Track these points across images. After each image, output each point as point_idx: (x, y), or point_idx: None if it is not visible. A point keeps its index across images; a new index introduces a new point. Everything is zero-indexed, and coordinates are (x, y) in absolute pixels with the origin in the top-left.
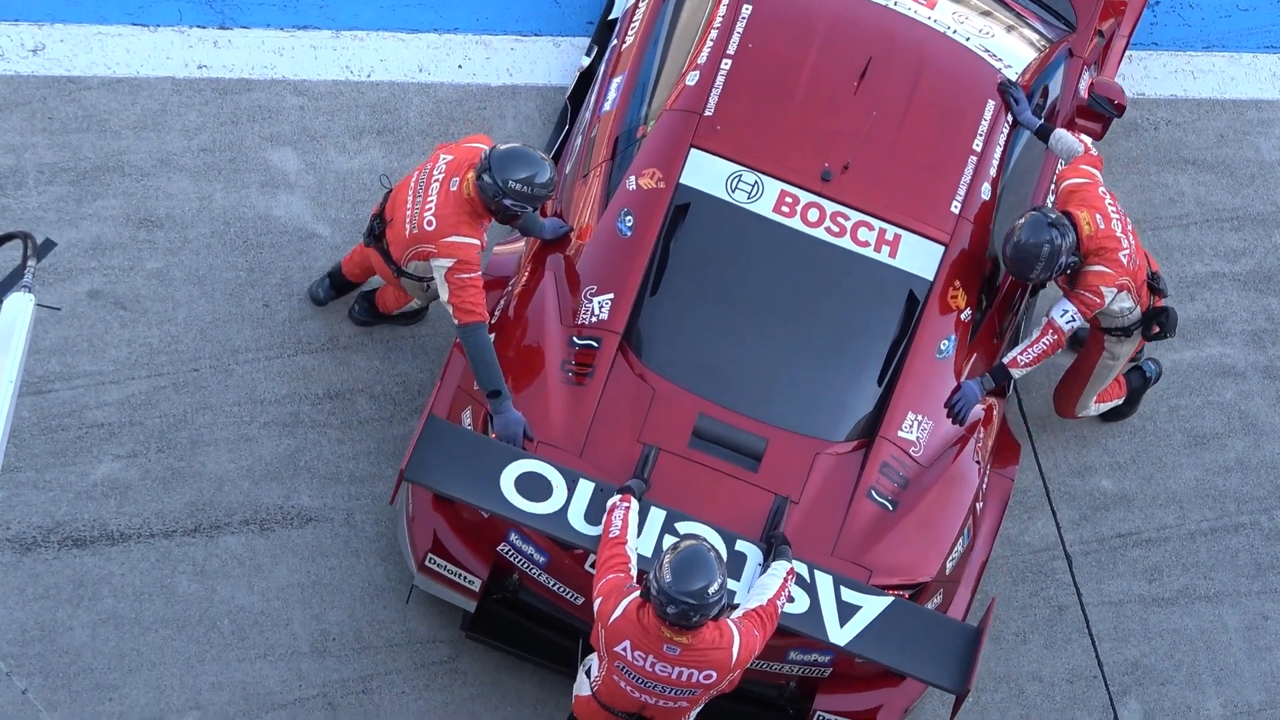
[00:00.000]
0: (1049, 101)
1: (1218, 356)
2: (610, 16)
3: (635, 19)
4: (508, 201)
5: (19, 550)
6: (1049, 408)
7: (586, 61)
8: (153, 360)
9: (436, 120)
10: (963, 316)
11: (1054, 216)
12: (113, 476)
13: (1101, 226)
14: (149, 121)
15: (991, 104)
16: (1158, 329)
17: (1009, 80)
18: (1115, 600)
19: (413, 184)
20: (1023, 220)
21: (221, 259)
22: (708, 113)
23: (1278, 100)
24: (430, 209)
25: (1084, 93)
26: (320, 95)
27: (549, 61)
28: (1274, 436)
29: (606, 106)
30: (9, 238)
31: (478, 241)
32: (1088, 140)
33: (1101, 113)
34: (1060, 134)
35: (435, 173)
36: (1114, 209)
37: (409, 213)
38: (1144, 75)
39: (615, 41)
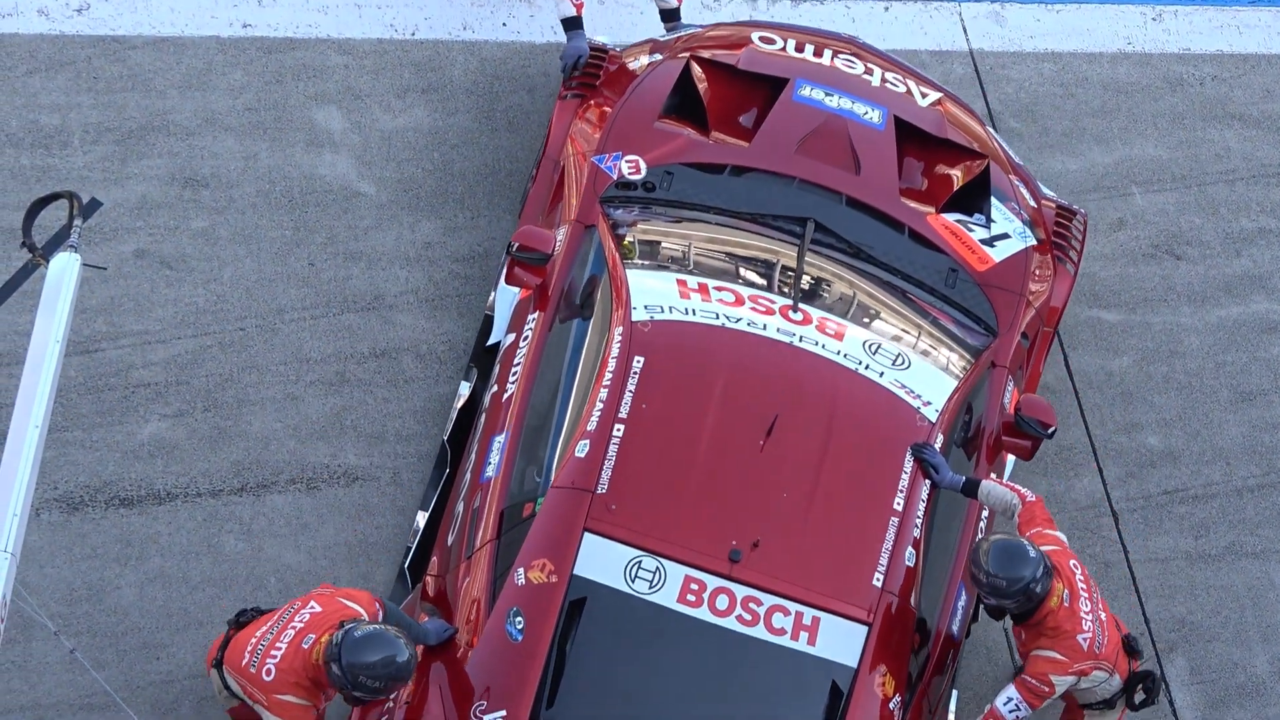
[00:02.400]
0: (972, 420)
1: (1264, 312)
2: (490, 342)
3: (516, 361)
4: (356, 693)
5: (66, 510)
6: (1097, 362)
7: (466, 392)
8: (199, 320)
9: (481, 78)
10: (891, 705)
11: (1039, 553)
12: (159, 436)
13: (1067, 604)
14: (194, 81)
15: (901, 471)
16: (1144, 694)
17: (920, 444)
18: (1161, 557)
19: (275, 615)
20: (1010, 544)
21: (267, 218)
22: (600, 490)
23: None
24: (274, 658)
25: (1010, 407)
26: (364, 54)
27: (592, 16)
28: None
29: (489, 471)
30: (55, 197)
31: (310, 705)
32: (1021, 489)
33: (1032, 434)
34: (988, 487)
35: (296, 620)
36: (1083, 584)
37: (253, 644)
38: (1189, 30)
39: (495, 388)
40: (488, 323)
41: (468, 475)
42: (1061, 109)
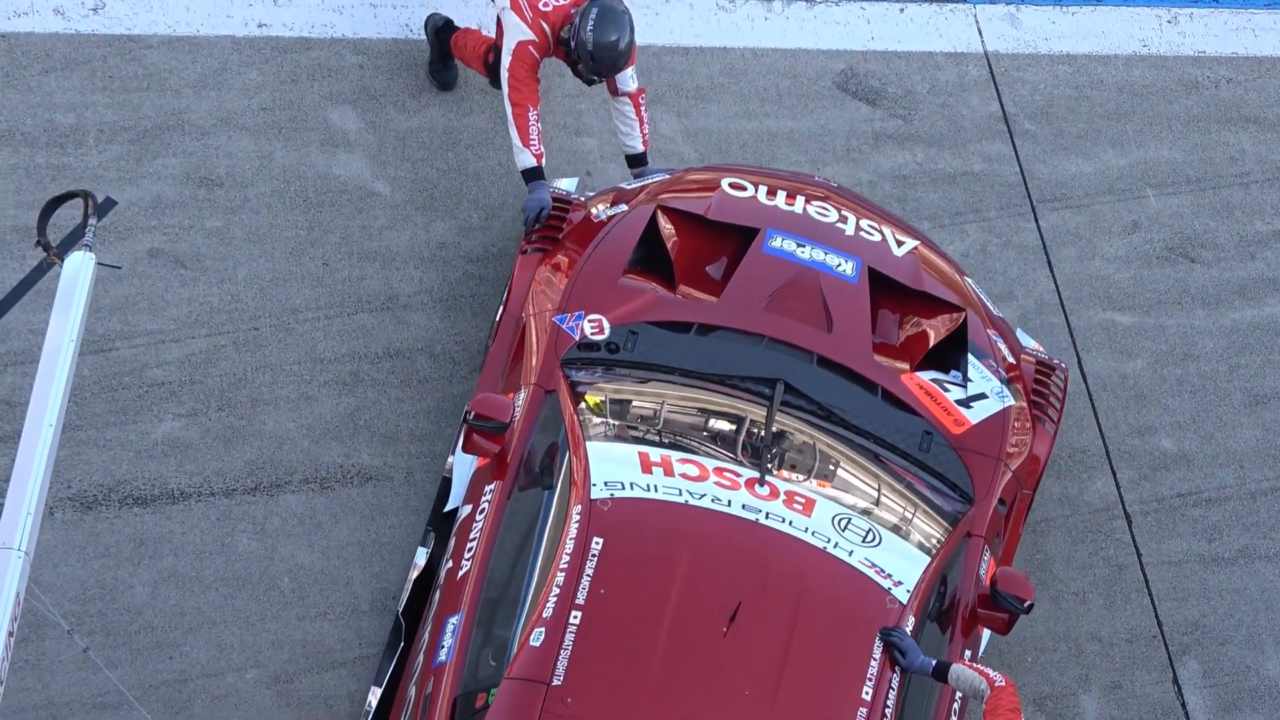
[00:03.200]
0: (947, 594)
1: (1278, 315)
2: (447, 508)
3: (472, 536)
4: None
5: (80, 509)
6: (1110, 365)
7: (421, 562)
8: (213, 319)
9: None
10: None
11: None
12: (173, 435)
13: None
14: (209, 80)
15: (870, 654)
16: None
17: (889, 628)
18: (1175, 560)
19: None
20: None
21: (281, 218)
22: (556, 681)
23: None
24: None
25: (986, 579)
26: (380, 54)
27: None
28: None
29: (442, 655)
30: (70, 196)
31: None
32: (991, 674)
33: (1008, 609)
34: (958, 671)
35: None
36: None
37: None
38: (1205, 33)
39: (450, 563)
40: (446, 484)
41: (420, 656)
42: (1076, 111)
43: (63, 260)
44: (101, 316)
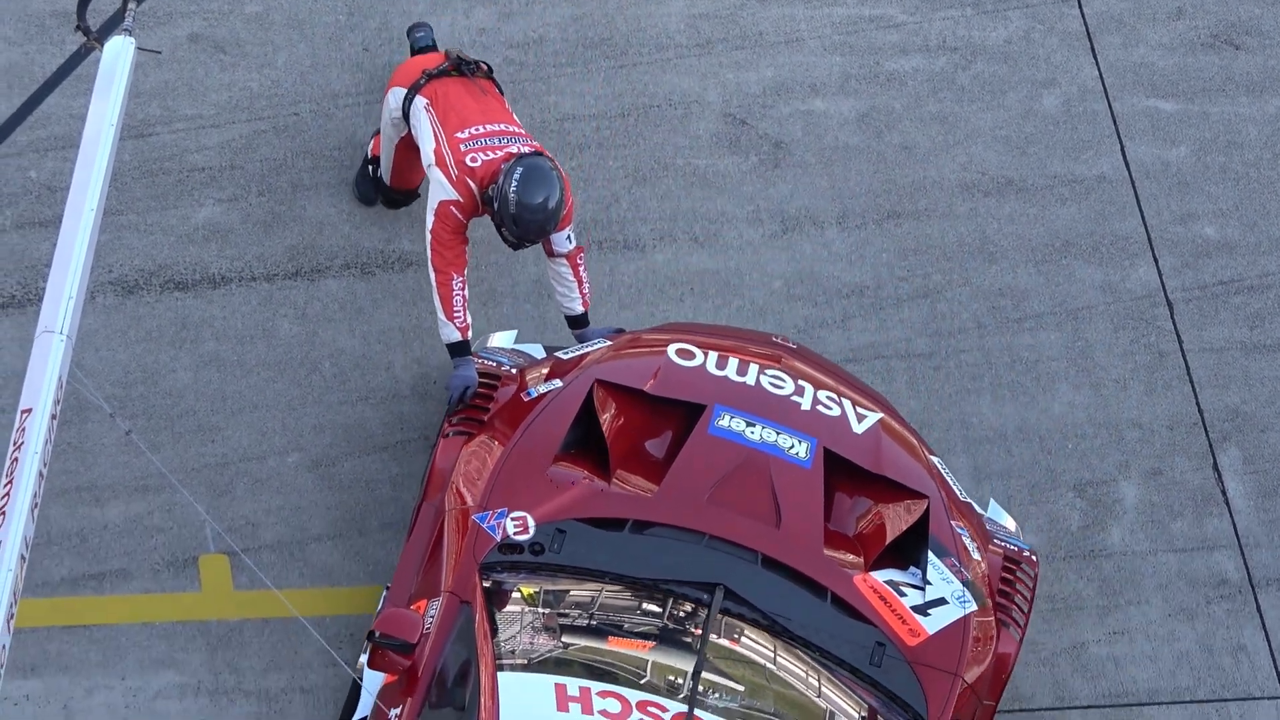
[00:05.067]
0: None
1: None
2: (357, 716)
3: None
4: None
5: (121, 293)
6: (1153, 152)
7: None
8: (253, 104)
9: None
10: None
11: None
12: (214, 220)
13: None
14: None
15: None
16: None
17: None
18: (1216, 347)
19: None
20: None
21: (320, 2)
22: None
23: None
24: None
25: None
26: None
27: None
28: None
29: None
30: None
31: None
32: None
33: None
34: None
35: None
36: None
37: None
38: None
39: None
40: (356, 690)
41: None
42: None
43: (103, 45)
44: (141, 101)
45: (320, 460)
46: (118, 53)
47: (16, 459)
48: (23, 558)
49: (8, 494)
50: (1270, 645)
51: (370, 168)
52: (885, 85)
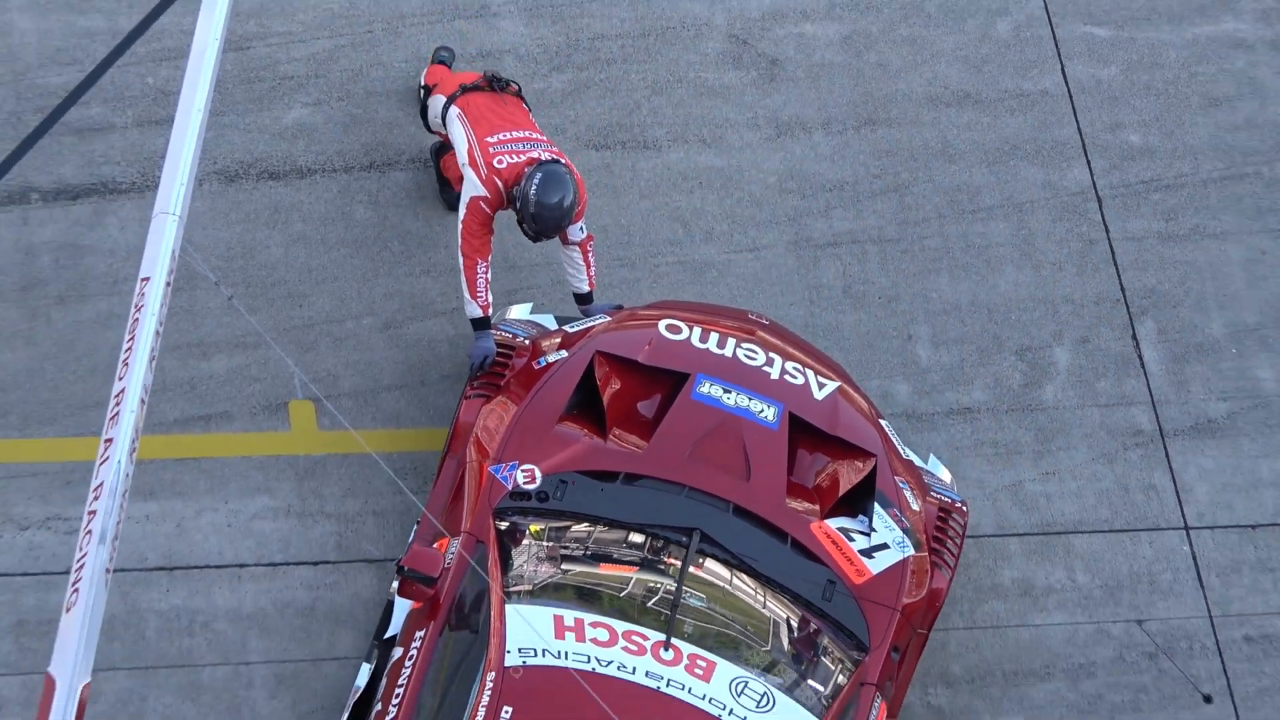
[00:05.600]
0: None
1: (1232, 30)
2: (386, 635)
3: (400, 682)
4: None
5: (224, 181)
6: (1088, 71)
7: (362, 683)
8: (334, 23)
9: None
10: None
11: None
12: (301, 121)
13: None
14: None
15: None
16: None
17: None
18: (1137, 236)
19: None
20: None
21: None
22: None
23: None
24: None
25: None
26: None
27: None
28: (1277, 99)
29: None
30: None
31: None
32: None
33: None
34: None
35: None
36: None
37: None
38: None
39: (379, 705)
40: (389, 609)
41: None
42: None
43: None
44: (241, 20)
45: (390, 323)
46: None
47: (137, 319)
48: (143, 401)
49: (130, 348)
50: (1176, 485)
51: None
52: (864, 12)
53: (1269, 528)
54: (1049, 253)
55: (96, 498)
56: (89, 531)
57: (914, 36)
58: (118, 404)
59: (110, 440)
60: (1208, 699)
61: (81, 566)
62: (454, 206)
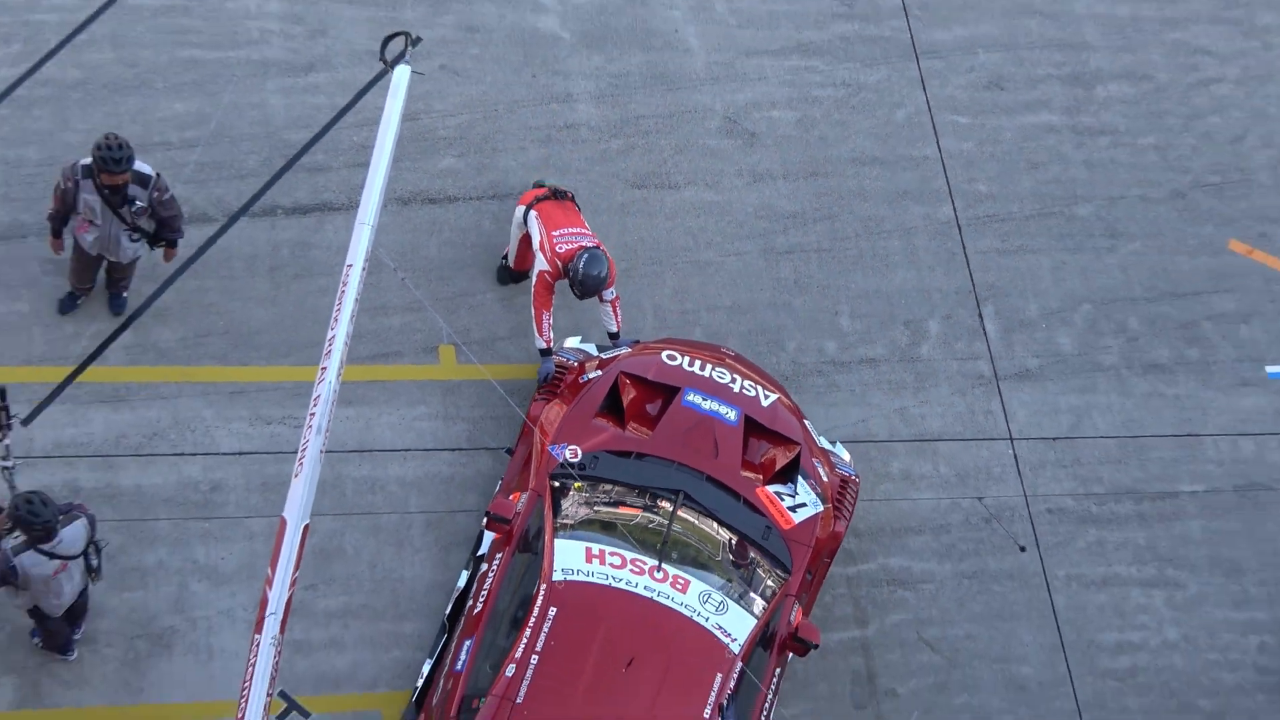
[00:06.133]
0: (768, 632)
1: (1046, 120)
2: (480, 552)
3: (485, 587)
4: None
5: (400, 204)
6: (955, 145)
7: (462, 584)
8: (471, 104)
9: None
10: None
11: None
12: (450, 166)
13: None
14: None
15: (719, 676)
16: None
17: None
18: (983, 250)
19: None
20: None
21: (505, 50)
22: (519, 699)
23: None
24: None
25: (794, 624)
26: None
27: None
28: (1075, 165)
29: (459, 665)
30: (397, 34)
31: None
32: None
33: (803, 647)
34: None
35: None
36: None
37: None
38: None
39: (471, 601)
40: (480, 536)
41: (449, 659)
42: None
43: (393, 68)
44: (413, 101)
45: (503, 296)
46: (402, 73)
47: (343, 290)
48: (346, 343)
49: (338, 309)
50: (1005, 412)
51: (504, 260)
52: (811, 104)
53: (1064, 440)
54: (926, 260)
55: (315, 405)
56: (310, 426)
57: (843, 120)
58: (329, 345)
59: (324, 369)
60: (1023, 549)
61: (305, 448)
62: (503, 282)
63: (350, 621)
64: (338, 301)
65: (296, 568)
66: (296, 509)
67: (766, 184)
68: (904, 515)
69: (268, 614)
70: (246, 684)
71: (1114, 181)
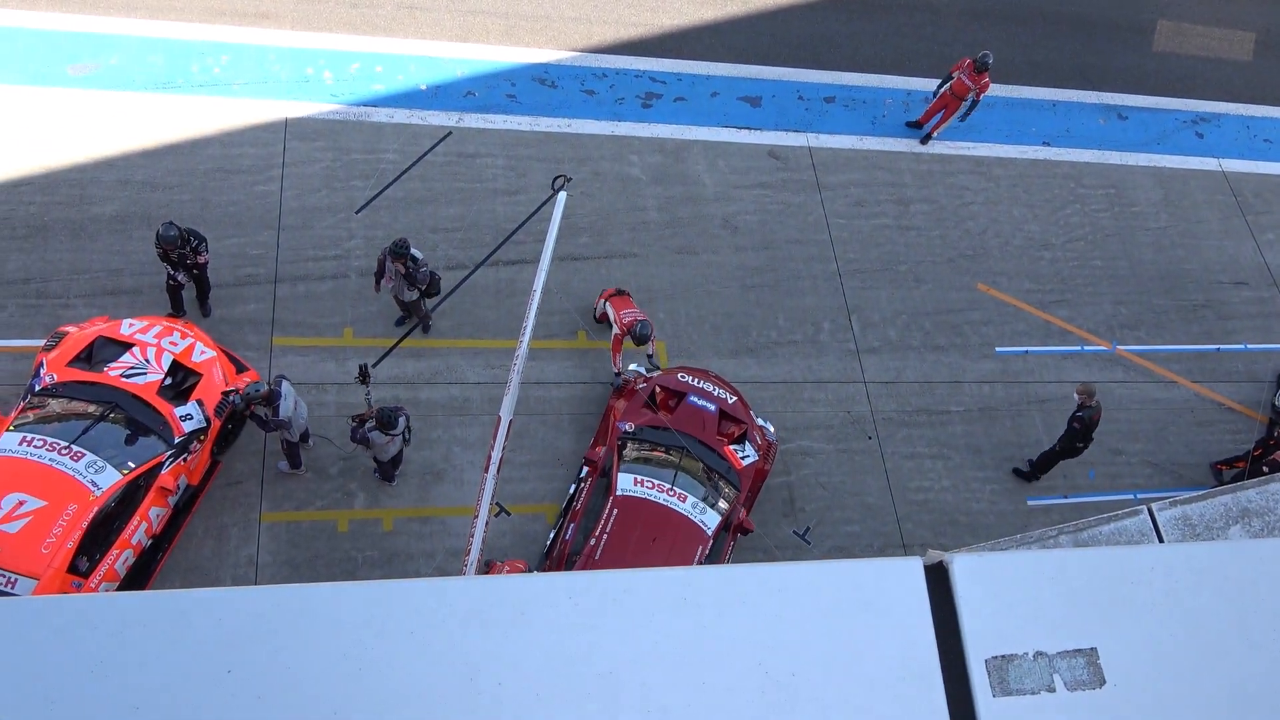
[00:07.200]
0: (728, 524)
1: (897, 221)
2: (580, 474)
3: (582, 493)
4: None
5: (559, 260)
6: (840, 233)
7: (571, 491)
8: (594, 213)
9: None
10: None
11: None
12: (582, 246)
13: None
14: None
15: (701, 547)
16: None
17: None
18: (856, 287)
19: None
20: None
21: (607, 177)
22: (597, 557)
23: None
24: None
25: (740, 519)
26: None
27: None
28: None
29: (566, 535)
30: (559, 177)
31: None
32: None
33: (744, 532)
34: None
35: None
36: None
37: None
38: None
39: (576, 503)
40: (581, 467)
41: (563, 531)
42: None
43: (557, 192)
44: (567, 209)
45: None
46: (562, 196)
47: (529, 302)
48: (530, 329)
49: (528, 312)
50: (862, 368)
51: (594, 313)
52: (765, 213)
53: (892, 383)
54: (823, 291)
55: (515, 360)
56: (514, 369)
57: (782, 220)
58: (523, 329)
59: (521, 341)
60: (870, 438)
61: (509, 384)
62: (597, 321)
63: (532, 467)
64: (528, 308)
65: (506, 440)
66: (507, 410)
67: (743, 252)
68: (810, 420)
69: (490, 463)
70: (479, 500)
71: (918, 253)
